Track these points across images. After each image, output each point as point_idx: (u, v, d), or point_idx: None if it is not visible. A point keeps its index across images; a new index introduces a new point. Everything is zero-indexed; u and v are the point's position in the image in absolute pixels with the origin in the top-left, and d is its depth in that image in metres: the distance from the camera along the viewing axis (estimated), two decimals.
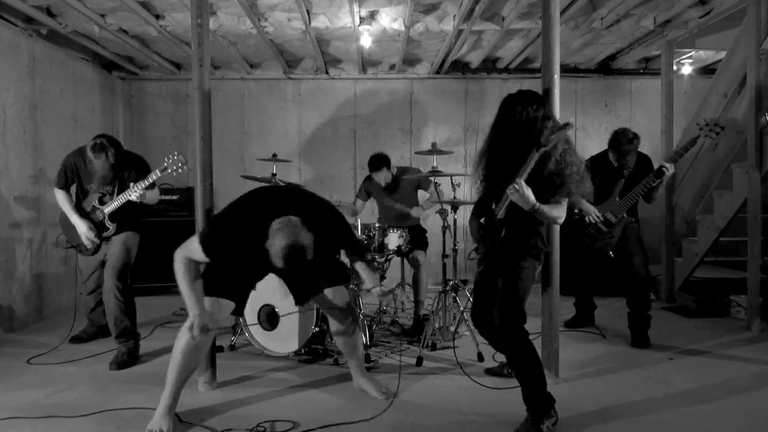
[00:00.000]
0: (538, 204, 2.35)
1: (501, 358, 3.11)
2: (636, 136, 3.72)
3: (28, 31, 4.45)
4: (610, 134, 3.84)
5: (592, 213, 3.66)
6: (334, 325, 2.88)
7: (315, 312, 3.32)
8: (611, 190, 3.68)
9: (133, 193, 3.26)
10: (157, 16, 4.48)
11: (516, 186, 2.29)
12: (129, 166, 3.40)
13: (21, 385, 3.02)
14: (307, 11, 4.44)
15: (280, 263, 2.28)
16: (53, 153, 4.63)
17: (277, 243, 2.26)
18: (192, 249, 2.44)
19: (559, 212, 2.43)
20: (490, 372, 3.18)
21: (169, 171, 3.28)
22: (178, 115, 6.21)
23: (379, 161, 4.23)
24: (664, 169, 3.44)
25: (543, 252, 2.57)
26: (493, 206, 2.55)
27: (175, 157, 3.28)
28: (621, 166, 3.75)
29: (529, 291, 2.50)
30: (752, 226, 4.06)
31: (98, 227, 3.41)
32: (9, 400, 2.78)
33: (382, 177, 4.23)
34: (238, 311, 2.69)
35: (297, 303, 2.90)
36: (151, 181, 3.27)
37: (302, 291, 2.82)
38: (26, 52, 4.44)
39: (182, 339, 2.45)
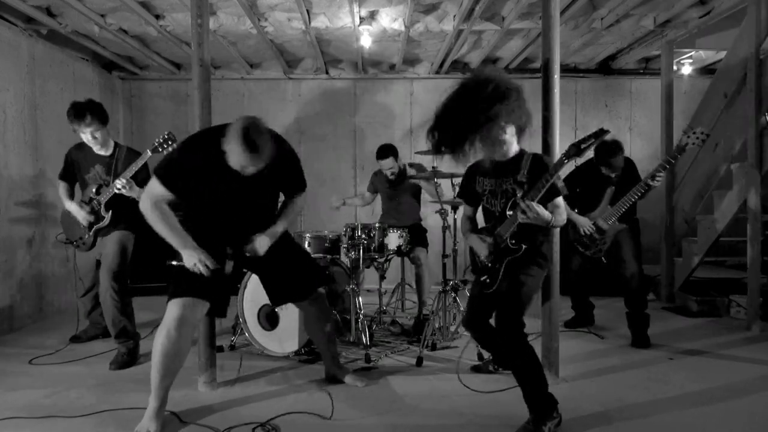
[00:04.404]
0: (552, 217, 2.39)
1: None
2: (618, 146, 3.65)
3: (28, 31, 4.45)
4: (596, 148, 3.69)
5: (585, 226, 3.70)
6: (306, 317, 2.97)
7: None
8: (600, 198, 3.71)
9: (118, 182, 3.25)
10: (157, 16, 4.48)
11: (527, 207, 2.31)
12: (122, 156, 3.43)
13: (21, 384, 3.02)
14: (307, 11, 4.44)
15: (243, 160, 2.26)
16: (53, 153, 4.63)
17: (234, 144, 2.24)
18: (152, 188, 2.42)
19: (563, 215, 2.49)
20: (476, 369, 3.20)
21: (160, 150, 3.32)
22: (178, 115, 6.21)
23: (384, 150, 4.25)
24: (650, 182, 3.42)
25: (548, 261, 2.59)
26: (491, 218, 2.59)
27: (166, 136, 3.32)
28: (609, 174, 3.74)
29: (532, 299, 2.52)
30: (752, 226, 4.06)
31: (96, 217, 3.41)
32: (9, 400, 2.78)
33: (387, 165, 4.24)
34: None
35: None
36: (141, 164, 3.29)
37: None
38: (26, 52, 4.44)
39: (159, 339, 2.38)
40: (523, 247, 2.46)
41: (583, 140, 2.24)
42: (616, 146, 3.64)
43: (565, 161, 2.28)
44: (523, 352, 2.38)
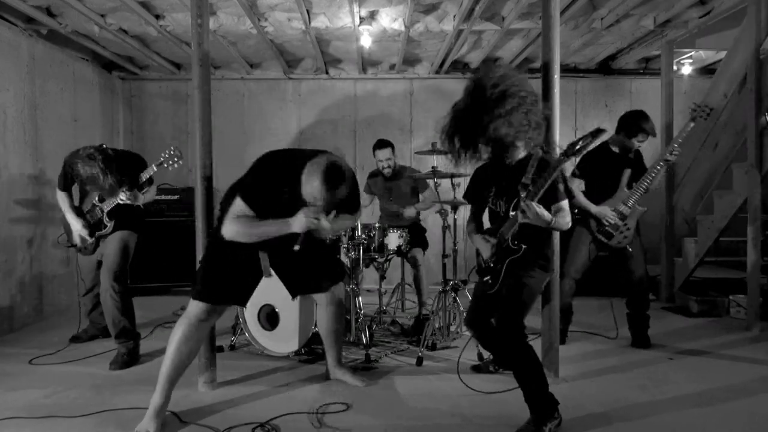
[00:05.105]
0: (553, 218, 2.38)
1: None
2: (644, 112, 3.61)
3: (28, 31, 4.45)
4: (623, 120, 3.62)
5: (608, 216, 3.51)
6: (320, 314, 3.00)
7: (315, 311, 3.31)
8: (617, 181, 3.55)
9: (122, 194, 3.24)
10: (157, 16, 4.48)
11: (527, 207, 2.30)
12: (125, 165, 3.36)
13: (21, 384, 3.02)
14: (307, 11, 4.44)
15: (318, 194, 2.35)
16: (53, 153, 4.63)
17: (314, 178, 2.34)
18: (235, 209, 2.46)
19: (566, 218, 2.47)
20: (476, 369, 3.20)
21: (165, 165, 3.32)
22: (178, 115, 6.21)
23: (383, 141, 4.37)
24: (668, 157, 3.44)
25: (552, 263, 2.59)
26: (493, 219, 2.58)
27: (172, 152, 3.32)
28: (626, 150, 3.63)
29: (533, 302, 2.52)
30: (752, 226, 4.06)
31: (96, 225, 3.41)
32: (9, 400, 2.78)
33: (385, 156, 4.29)
34: (241, 302, 2.79)
35: (292, 295, 2.92)
36: (145, 177, 3.28)
37: (298, 284, 2.86)
38: (26, 52, 4.44)
39: (179, 328, 2.48)
40: (523, 247, 2.45)
41: (581, 139, 2.24)
42: (646, 116, 3.58)
43: (564, 160, 2.28)
44: (523, 352, 2.38)
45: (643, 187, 3.50)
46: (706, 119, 3.51)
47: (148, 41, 5.16)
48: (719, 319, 4.50)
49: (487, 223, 2.76)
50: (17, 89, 4.33)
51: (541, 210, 2.33)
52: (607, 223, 3.54)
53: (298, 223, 2.40)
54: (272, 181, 2.48)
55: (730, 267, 5.50)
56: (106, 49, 5.31)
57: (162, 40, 5.01)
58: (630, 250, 3.59)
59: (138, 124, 6.21)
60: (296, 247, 2.45)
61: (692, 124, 3.46)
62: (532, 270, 2.51)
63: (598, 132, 2.21)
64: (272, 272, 2.70)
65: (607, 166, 3.62)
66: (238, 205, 2.45)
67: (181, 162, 3.35)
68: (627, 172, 3.56)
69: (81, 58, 5.30)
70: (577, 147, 2.23)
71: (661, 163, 3.46)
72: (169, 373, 2.46)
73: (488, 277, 2.58)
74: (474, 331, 2.75)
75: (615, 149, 3.69)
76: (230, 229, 2.45)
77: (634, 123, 3.55)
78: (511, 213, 2.48)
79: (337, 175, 2.38)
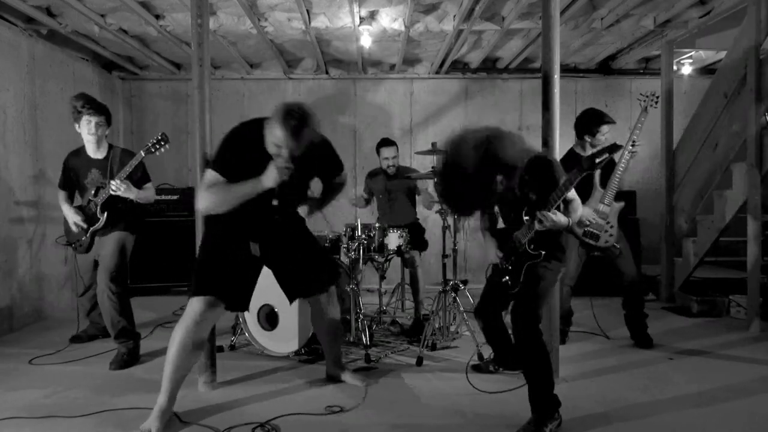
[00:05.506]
0: (570, 220, 2.40)
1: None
2: (599, 110, 3.69)
3: (28, 31, 4.45)
4: (580, 123, 3.68)
5: (590, 216, 3.52)
6: (318, 314, 2.96)
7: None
8: (590, 183, 3.55)
9: (113, 184, 3.22)
10: (157, 16, 4.48)
11: (544, 217, 2.31)
12: (124, 161, 3.38)
13: (21, 384, 3.02)
14: (307, 11, 4.44)
15: (279, 139, 2.34)
16: (53, 153, 4.63)
17: (273, 127, 2.35)
18: (207, 179, 2.48)
19: (579, 209, 2.49)
20: (476, 369, 3.20)
21: (153, 151, 3.31)
22: (178, 115, 6.21)
23: (389, 140, 4.42)
24: (631, 149, 3.47)
25: (566, 253, 2.60)
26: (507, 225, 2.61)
27: (159, 137, 3.32)
28: (593, 150, 3.64)
29: (549, 293, 2.54)
30: (752, 226, 4.06)
31: (91, 220, 3.41)
32: (10, 400, 2.79)
33: (391, 154, 4.33)
34: (241, 306, 2.71)
35: (289, 299, 2.88)
36: (135, 163, 3.28)
37: (294, 287, 2.84)
38: (26, 52, 4.44)
39: (178, 332, 2.44)
40: (542, 253, 2.46)
41: (598, 154, 2.24)
42: (597, 111, 3.66)
43: (580, 175, 2.28)
44: (536, 348, 2.38)
45: (615, 182, 3.53)
46: (656, 107, 3.60)
47: (148, 41, 5.16)
48: (719, 319, 4.50)
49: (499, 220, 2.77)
50: (17, 89, 4.33)
51: (557, 216, 2.34)
52: (589, 222, 3.54)
53: (269, 176, 2.40)
54: (239, 147, 2.49)
55: (730, 267, 5.50)
56: (106, 49, 5.31)
57: (162, 40, 5.01)
58: (618, 247, 3.59)
59: (138, 124, 6.21)
60: (274, 202, 2.48)
61: (646, 114, 3.52)
62: (549, 262, 2.51)
63: (615, 147, 2.24)
64: (258, 250, 2.66)
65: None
66: (210, 174, 2.48)
67: (168, 146, 3.33)
68: (597, 172, 3.52)
69: (81, 58, 5.30)
70: (597, 162, 2.23)
71: (627, 157, 3.50)
72: (171, 375, 2.44)
73: (507, 278, 2.58)
74: (482, 322, 2.75)
75: (581, 152, 3.70)
76: (206, 200, 2.47)
77: (593, 120, 3.60)
78: (525, 218, 2.47)
79: (294, 113, 2.34)
